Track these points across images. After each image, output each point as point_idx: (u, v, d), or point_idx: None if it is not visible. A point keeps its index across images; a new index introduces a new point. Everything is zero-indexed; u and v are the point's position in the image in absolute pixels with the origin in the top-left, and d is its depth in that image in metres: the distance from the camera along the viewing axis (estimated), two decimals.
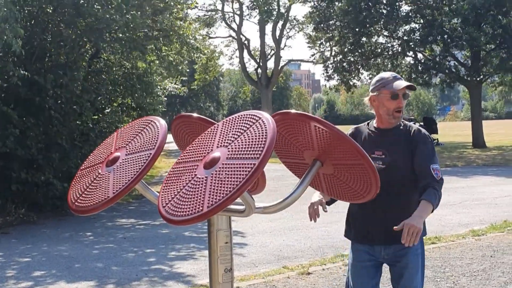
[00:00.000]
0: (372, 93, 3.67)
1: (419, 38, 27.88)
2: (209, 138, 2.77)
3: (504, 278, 6.31)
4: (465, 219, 9.96)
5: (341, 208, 11.26)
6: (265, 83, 45.40)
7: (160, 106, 15.89)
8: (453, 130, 45.59)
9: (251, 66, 49.64)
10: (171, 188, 2.66)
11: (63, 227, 10.64)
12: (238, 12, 46.23)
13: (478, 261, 7.05)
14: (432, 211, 3.41)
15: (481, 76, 28.41)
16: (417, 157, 3.56)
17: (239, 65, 48.26)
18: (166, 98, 16.42)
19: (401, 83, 3.60)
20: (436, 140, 28.69)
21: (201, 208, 2.41)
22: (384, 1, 27.86)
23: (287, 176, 15.66)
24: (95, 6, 11.80)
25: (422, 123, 29.80)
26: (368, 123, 3.81)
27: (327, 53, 31.95)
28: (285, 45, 64.04)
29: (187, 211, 2.45)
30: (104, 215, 11.60)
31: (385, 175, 3.49)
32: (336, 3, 28.27)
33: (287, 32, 47.60)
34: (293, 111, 2.96)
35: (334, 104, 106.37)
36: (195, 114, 3.41)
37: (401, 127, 3.68)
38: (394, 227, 3.35)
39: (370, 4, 27.22)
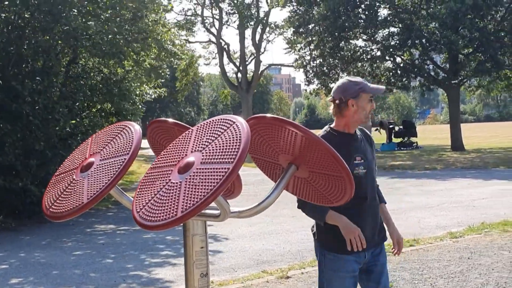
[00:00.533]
0: (350, 97, 3.64)
1: (398, 42, 28.06)
2: (183, 143, 2.77)
3: (481, 279, 6.36)
4: (443, 221, 10.03)
5: None
6: (246, 88, 45.44)
7: (139, 111, 15.83)
8: (432, 133, 45.91)
9: (231, 70, 49.54)
10: (145, 194, 2.65)
11: (41, 234, 10.56)
12: (218, 17, 46.24)
13: (456, 263, 7.10)
14: None
15: (459, 79, 28.65)
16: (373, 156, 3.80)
17: (219, 69, 48.23)
18: (143, 103, 16.33)
19: (379, 86, 3.77)
20: (415, 143, 28.86)
21: (175, 213, 2.41)
22: (363, 6, 28.03)
23: (268, 180, 15.62)
24: (71, 12, 11.75)
25: (401, 127, 29.95)
26: (328, 129, 3.72)
27: (307, 58, 32.04)
28: (265, 50, 64.25)
29: (161, 216, 2.45)
30: (83, 221, 11.54)
31: (368, 179, 3.62)
32: (315, 8, 28.38)
33: (267, 37, 47.73)
34: (268, 115, 2.96)
35: (315, 108, 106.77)
36: (170, 119, 3.40)
37: (358, 131, 3.77)
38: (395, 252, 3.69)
39: (349, 8, 27.36)
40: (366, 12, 27.73)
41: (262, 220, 10.57)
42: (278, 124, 2.90)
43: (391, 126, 29.80)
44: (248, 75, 47.32)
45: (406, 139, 28.94)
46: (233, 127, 2.61)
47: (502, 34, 26.30)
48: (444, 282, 6.32)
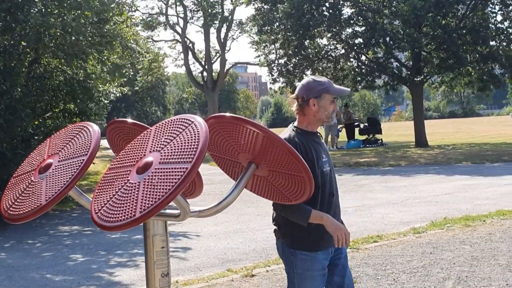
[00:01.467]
0: (311, 97, 3.68)
1: (362, 40, 28.25)
2: (142, 143, 2.76)
3: (443, 274, 6.45)
4: (406, 217, 10.14)
5: None
6: (211, 86, 45.39)
7: (103, 111, 15.67)
8: (397, 130, 46.34)
9: (196, 69, 49.41)
10: (103, 194, 2.64)
11: (4, 236, 10.42)
12: (182, 15, 46.08)
13: (418, 258, 7.19)
14: None
15: (422, 77, 28.95)
16: None
17: (185, 68, 48.06)
18: (108, 102, 16.17)
19: (343, 88, 3.91)
20: (380, 140, 29.06)
21: (133, 213, 2.40)
22: (327, 4, 28.14)
23: (221, 180, 15.67)
24: (31, 11, 11.60)
25: (366, 124, 30.15)
26: (293, 128, 3.75)
27: (272, 56, 32.08)
28: (230, 48, 64.21)
29: (120, 217, 2.45)
30: (47, 223, 11.42)
31: (331, 176, 3.70)
32: (279, 6, 28.41)
33: (232, 35, 47.74)
34: (228, 114, 2.98)
35: (282, 106, 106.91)
36: (129, 120, 3.39)
37: None
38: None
39: (313, 6, 27.44)
40: (330, 11, 27.84)
41: (228, 219, 10.57)
42: (238, 123, 2.92)
43: (356, 124, 29.98)
44: (213, 74, 47.28)
45: (371, 136, 29.14)
46: (191, 126, 2.62)
47: (464, 31, 26.64)
48: (406, 277, 6.40)
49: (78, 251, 8.86)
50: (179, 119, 2.74)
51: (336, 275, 3.75)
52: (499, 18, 28.16)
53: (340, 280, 3.76)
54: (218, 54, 48.13)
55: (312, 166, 3.50)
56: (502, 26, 27.64)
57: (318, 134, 3.83)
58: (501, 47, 27.46)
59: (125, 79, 19.10)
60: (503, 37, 27.54)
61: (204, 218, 10.20)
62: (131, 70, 17.53)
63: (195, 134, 2.58)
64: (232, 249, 8.36)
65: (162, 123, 2.79)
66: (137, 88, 45.62)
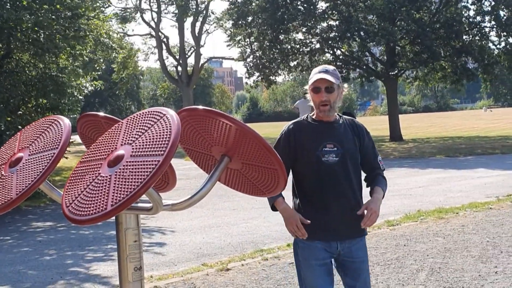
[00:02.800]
0: (309, 87, 3.68)
1: (336, 34, 28.33)
2: (113, 136, 2.73)
3: (416, 265, 6.51)
4: (381, 210, 10.10)
5: (261, 204, 11.37)
6: (186, 81, 45.20)
7: (77, 106, 15.52)
8: (372, 124, 46.56)
9: (171, 64, 49.17)
10: (74, 188, 2.61)
11: None
12: (156, 9, 45.81)
13: (392, 250, 7.24)
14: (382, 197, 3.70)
15: (397, 71, 29.15)
16: (364, 148, 3.70)
17: (158, 63, 47.80)
18: (81, 97, 16.03)
19: (316, 76, 3.60)
20: None
21: (104, 207, 2.38)
22: None
23: (195, 175, 15.67)
24: (6, 6, 11.46)
25: None
26: (305, 117, 3.75)
27: (247, 50, 32.06)
28: (205, 42, 63.93)
29: (91, 211, 2.42)
30: (20, 219, 11.31)
31: (340, 166, 3.57)
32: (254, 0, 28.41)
33: (207, 29, 47.58)
34: (200, 107, 2.96)
35: (257, 101, 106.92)
36: (100, 113, 3.36)
37: (342, 120, 3.70)
38: (358, 212, 3.55)
39: (287, 0, 27.47)
40: (305, 5, 27.90)
41: (203, 213, 10.56)
42: (211, 116, 2.90)
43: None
44: (188, 69, 47.09)
45: None
46: (163, 119, 2.60)
47: (438, 25, 26.86)
48: (381, 269, 6.44)
49: (52, 247, 8.78)
50: (151, 111, 2.72)
51: (348, 276, 3.68)
52: (471, 12, 28.39)
53: (351, 283, 3.67)
54: (193, 49, 47.95)
55: (305, 154, 3.57)
56: (475, 20, 27.90)
57: (338, 120, 3.67)
58: (474, 41, 27.73)
59: (98, 73, 18.95)
60: (476, 31, 27.83)
61: (179, 213, 10.19)
62: (103, 65, 17.36)
63: (167, 126, 2.56)
64: (207, 243, 8.34)
65: (134, 116, 2.76)
66: (116, 81, 45.08)
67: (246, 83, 33.30)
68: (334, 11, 28.09)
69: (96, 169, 2.62)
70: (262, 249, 7.67)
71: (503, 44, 28.07)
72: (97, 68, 16.52)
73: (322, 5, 29.13)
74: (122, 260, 2.83)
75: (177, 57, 47.43)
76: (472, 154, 19.62)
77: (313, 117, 3.71)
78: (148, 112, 2.71)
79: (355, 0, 27.61)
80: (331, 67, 3.69)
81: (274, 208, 3.68)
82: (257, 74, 31.25)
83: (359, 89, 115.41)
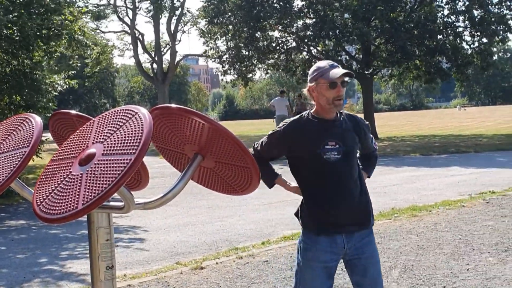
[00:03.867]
0: (310, 83, 3.59)
1: (312, 33, 28.40)
2: (84, 134, 2.72)
3: (389, 263, 6.56)
4: None
5: (236, 202, 11.36)
6: (161, 79, 45.03)
7: (50, 104, 15.35)
8: None
9: (146, 61, 48.94)
10: (45, 186, 2.60)
11: None
12: (131, 6, 45.55)
13: None
14: (369, 177, 3.91)
15: (372, 70, 29.32)
16: (365, 141, 3.75)
17: (134, 60, 47.53)
18: (56, 94, 15.87)
19: (338, 71, 3.51)
20: None
21: (76, 205, 2.37)
22: None
23: (168, 173, 15.61)
24: None
25: None
26: (306, 114, 3.68)
27: (223, 48, 32.02)
28: (180, 40, 63.76)
29: (62, 209, 2.41)
30: None
31: (342, 163, 3.52)
32: None
33: (182, 27, 47.42)
34: (173, 105, 2.95)
35: (233, 99, 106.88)
36: (73, 111, 3.34)
37: (343, 116, 3.67)
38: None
39: None
40: (281, 3, 27.93)
41: (177, 212, 10.52)
42: (184, 114, 2.89)
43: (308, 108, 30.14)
44: (164, 66, 46.91)
45: None
46: (135, 117, 2.59)
47: (412, 25, 27.04)
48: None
49: (25, 245, 8.69)
50: (123, 110, 2.71)
51: (355, 273, 3.61)
52: (446, 12, 28.66)
53: (358, 280, 3.60)
54: (168, 46, 47.78)
55: (305, 153, 3.56)
56: (449, 20, 28.15)
57: (338, 117, 3.64)
58: (447, 41, 27.98)
59: (73, 72, 18.79)
60: (450, 31, 28.07)
61: (154, 212, 10.15)
62: (78, 62, 17.25)
63: (138, 125, 2.55)
64: (182, 242, 8.32)
65: (105, 114, 2.75)
66: (89, 79, 44.73)
67: (222, 80, 33.21)
68: (310, 10, 28.14)
69: (67, 168, 2.60)
70: (237, 247, 7.67)
71: (476, 44, 28.36)
72: (73, 65, 16.37)
73: (298, 3, 29.22)
74: (94, 259, 2.82)
75: (153, 54, 47.22)
76: (446, 153, 19.79)
77: (314, 113, 3.65)
78: (120, 110, 2.69)
79: (331, 0, 27.69)
80: (335, 62, 3.69)
81: (272, 186, 3.82)
82: (233, 72, 31.22)
83: None
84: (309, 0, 27.85)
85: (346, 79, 3.54)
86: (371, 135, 3.87)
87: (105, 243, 2.85)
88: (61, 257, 7.85)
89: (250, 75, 31.91)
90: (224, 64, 31.17)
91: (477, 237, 7.61)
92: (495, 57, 31.20)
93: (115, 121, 2.67)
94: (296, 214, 3.72)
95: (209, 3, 29.45)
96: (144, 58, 49.02)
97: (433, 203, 10.09)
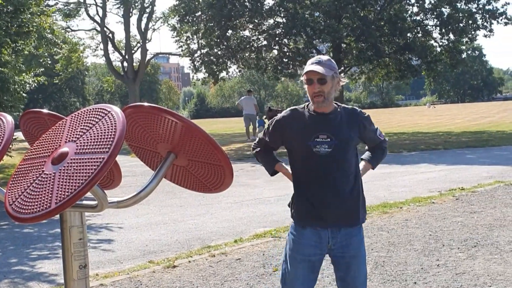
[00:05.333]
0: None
1: (283, 31, 28.46)
2: (56, 133, 2.71)
3: None
4: None
5: (208, 201, 11.33)
6: (132, 77, 44.77)
7: (20, 103, 15.19)
8: None
9: (116, 59, 48.59)
10: (18, 186, 2.58)
11: None
12: (101, 4, 45.20)
13: None
14: (373, 168, 3.90)
15: (343, 68, 29.47)
16: (366, 133, 3.71)
17: (104, 58, 47.15)
18: (25, 94, 15.70)
19: (308, 68, 3.56)
20: None
21: (49, 204, 2.36)
22: None
23: (141, 172, 15.55)
24: None
25: None
26: (307, 105, 3.69)
27: (194, 46, 31.92)
28: (151, 38, 63.43)
29: (34, 208, 2.40)
30: None
31: (332, 157, 3.50)
32: None
33: (153, 25, 47.19)
34: (146, 104, 2.95)
35: (205, 97, 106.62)
36: (44, 110, 3.32)
37: (339, 110, 3.64)
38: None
39: None
40: (252, 1, 27.94)
41: (150, 210, 10.48)
42: (156, 113, 2.90)
43: (279, 110, 30.08)
44: (134, 64, 46.64)
45: None
46: (108, 116, 2.59)
47: (382, 23, 27.26)
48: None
49: None
50: (95, 108, 2.71)
51: (338, 270, 3.65)
52: (415, 10, 28.93)
53: (341, 276, 3.65)
54: (139, 44, 47.51)
55: (296, 144, 3.63)
56: (418, 18, 28.43)
57: (335, 111, 3.63)
58: (417, 39, 28.25)
59: (42, 69, 18.58)
60: (419, 29, 28.34)
61: (126, 210, 10.11)
62: (48, 59, 17.08)
63: (111, 123, 2.55)
64: (154, 240, 8.30)
65: (78, 113, 2.75)
66: (59, 77, 44.17)
67: (193, 77, 33.10)
68: (280, 8, 28.20)
69: (39, 167, 2.59)
70: (209, 245, 7.68)
71: (445, 41, 28.68)
72: (43, 63, 16.18)
73: (269, 2, 29.25)
74: (67, 258, 2.81)
75: (123, 52, 46.92)
76: (416, 150, 20.00)
77: (309, 107, 3.68)
78: (93, 109, 2.69)
79: None
80: (325, 58, 3.64)
81: (274, 173, 3.90)
82: (204, 70, 31.13)
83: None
84: None
85: (324, 76, 3.51)
86: (376, 127, 3.82)
87: (78, 242, 2.84)
88: (32, 257, 7.78)
89: (222, 73, 31.87)
90: (195, 62, 31.08)
91: (447, 233, 7.71)
92: (464, 55, 31.51)
93: (87, 120, 2.67)
94: (289, 205, 3.76)
95: (180, 2, 29.32)
96: (114, 56, 48.54)
97: (404, 200, 10.21)
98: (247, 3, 28.04)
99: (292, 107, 3.78)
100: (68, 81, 64.00)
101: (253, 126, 27.26)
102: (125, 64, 46.40)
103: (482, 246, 6.99)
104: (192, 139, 2.93)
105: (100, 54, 49.03)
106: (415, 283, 5.75)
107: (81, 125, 2.65)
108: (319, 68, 3.51)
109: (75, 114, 2.73)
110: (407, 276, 5.94)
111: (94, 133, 2.55)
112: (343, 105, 3.73)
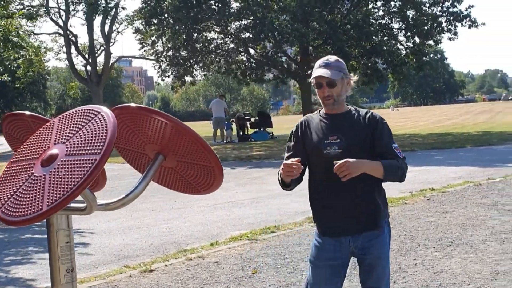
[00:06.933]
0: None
1: (251, 35, 28.48)
2: (45, 135, 2.66)
3: None
4: (301, 207, 10.27)
5: (180, 204, 11.26)
6: (96, 81, 44.30)
7: None
8: (286, 124, 47.06)
9: (79, 63, 48.06)
10: (7, 189, 2.53)
11: None
12: (64, 7, 44.64)
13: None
14: (385, 179, 3.44)
15: (310, 71, 29.63)
16: (377, 138, 3.54)
17: (67, 62, 46.54)
18: None
19: (315, 72, 3.55)
20: (271, 134, 29.36)
21: (40, 207, 2.32)
22: None
23: (125, 175, 15.43)
24: None
25: (257, 118, 30.32)
26: (320, 110, 3.69)
27: (159, 49, 31.74)
28: (115, 41, 62.98)
29: (26, 211, 2.35)
30: None
31: (342, 159, 3.37)
32: None
33: (117, 27, 46.79)
34: (133, 104, 2.91)
35: (169, 101, 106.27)
36: (27, 112, 3.25)
37: (353, 112, 3.62)
38: (334, 162, 3.34)
39: (201, 0, 27.39)
40: (219, 4, 27.90)
41: (121, 215, 10.35)
42: (144, 113, 2.85)
43: (247, 118, 30.06)
44: (98, 68, 46.16)
45: (262, 129, 29.38)
46: (98, 117, 2.55)
47: (349, 26, 27.46)
48: (305, 264, 6.51)
49: None
50: (84, 109, 2.67)
51: (361, 272, 3.64)
52: (381, 13, 29.21)
53: (364, 278, 3.63)
54: (102, 48, 47.03)
55: (310, 149, 3.59)
56: (384, 21, 28.74)
57: (348, 112, 3.60)
58: (383, 42, 28.54)
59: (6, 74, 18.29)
60: (384, 33, 28.64)
61: (97, 215, 9.97)
62: (14, 63, 16.82)
63: (102, 124, 2.52)
64: (128, 245, 8.20)
65: (66, 115, 2.70)
66: (21, 81, 43.40)
67: (157, 82, 32.97)
68: (247, 11, 28.21)
69: (28, 169, 2.54)
70: (185, 249, 7.61)
71: (410, 44, 29.02)
72: (9, 66, 15.92)
73: (236, 5, 29.16)
74: (54, 262, 2.75)
75: (86, 56, 46.39)
76: None
77: (322, 110, 3.67)
78: (81, 110, 2.64)
79: (269, 1, 27.82)
80: (333, 58, 3.60)
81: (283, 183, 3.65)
82: (170, 74, 30.98)
83: (272, 89, 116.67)
84: (247, 2, 27.91)
85: (332, 80, 3.49)
86: (394, 141, 3.60)
87: (65, 245, 2.79)
88: (5, 262, 7.64)
89: (187, 76, 31.72)
90: (161, 65, 30.92)
91: (422, 233, 7.77)
92: (426, 58, 31.92)
93: (77, 121, 2.62)
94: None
95: (146, 4, 29.13)
96: (78, 60, 47.97)
97: None
98: (214, 6, 27.99)
99: (305, 116, 3.77)
100: (29, 86, 63.13)
101: (220, 129, 27.24)
102: (89, 67, 45.88)
103: (457, 245, 7.06)
104: (181, 140, 2.90)
105: (63, 57, 48.40)
106: (394, 282, 5.77)
107: (70, 127, 2.61)
108: (327, 73, 3.50)
109: (63, 116, 2.69)
110: None
111: (85, 135, 2.51)
112: (359, 108, 3.71)
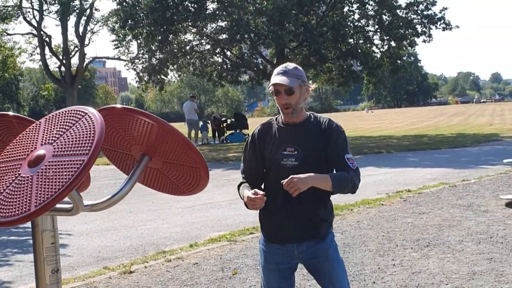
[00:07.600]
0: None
1: (227, 36, 28.47)
2: (31, 135, 2.65)
3: None
4: None
5: (158, 206, 11.22)
6: (70, 82, 43.93)
7: None
8: None
9: (53, 64, 47.59)
10: None
11: None
12: (38, 8, 44.22)
13: None
14: (334, 192, 3.39)
15: None
16: (330, 148, 3.46)
17: (41, 63, 46.08)
18: None
19: (273, 79, 3.48)
20: (247, 135, 29.38)
21: (28, 208, 2.32)
22: None
23: (100, 177, 15.35)
24: None
25: (233, 119, 30.31)
26: (276, 118, 3.62)
27: (135, 50, 31.63)
28: (89, 42, 62.47)
29: (13, 212, 2.35)
30: None
31: (299, 171, 3.34)
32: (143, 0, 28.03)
33: (91, 28, 46.44)
34: (118, 105, 2.92)
35: (143, 102, 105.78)
36: (10, 113, 3.23)
37: (312, 120, 3.55)
38: (281, 181, 3.27)
39: (177, 1, 27.32)
40: (195, 6, 27.85)
41: (98, 217, 10.29)
42: (130, 114, 2.86)
43: (223, 119, 30.04)
44: (72, 69, 45.78)
45: (238, 131, 29.37)
46: (85, 118, 2.55)
47: (325, 29, 27.58)
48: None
49: None
50: (71, 110, 2.67)
51: (317, 278, 3.62)
52: (356, 16, 29.41)
53: (320, 283, 3.63)
54: (76, 48, 46.64)
55: (267, 158, 3.53)
56: (360, 24, 28.92)
57: (306, 121, 3.54)
58: (358, 45, 28.73)
59: None
60: (360, 35, 28.83)
61: (74, 217, 9.89)
62: None
63: (90, 125, 2.52)
64: (107, 247, 8.17)
65: (53, 115, 2.70)
66: None
67: (131, 83, 32.83)
68: (223, 13, 28.20)
69: (15, 170, 2.53)
70: (165, 250, 7.60)
71: (386, 47, 29.24)
72: None
73: (212, 7, 29.12)
74: (39, 263, 2.75)
75: (61, 57, 45.99)
76: (360, 153, 20.25)
77: (280, 118, 3.60)
78: (68, 111, 2.64)
79: (245, 3, 27.84)
80: (291, 66, 3.54)
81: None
82: (145, 75, 30.83)
83: (247, 91, 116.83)
84: (223, 3, 27.91)
85: (290, 87, 3.42)
86: (350, 153, 3.52)
87: (50, 246, 2.80)
88: None
89: (163, 77, 31.57)
90: (136, 67, 30.78)
91: (399, 234, 7.85)
92: (400, 61, 32.20)
93: (64, 122, 2.62)
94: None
95: (122, 6, 28.95)
96: (51, 61, 47.48)
97: (354, 202, 10.31)
98: (191, 7, 27.93)
99: (263, 122, 3.68)
100: (1, 87, 62.53)
101: (195, 132, 27.20)
102: (63, 68, 45.47)
103: (434, 246, 7.14)
104: (167, 141, 2.91)
105: (37, 58, 47.86)
106: (374, 282, 5.83)
107: (57, 128, 2.61)
108: (285, 80, 3.42)
109: (50, 117, 2.69)
110: (365, 276, 6.02)
111: (72, 135, 2.51)
112: (319, 115, 3.64)
